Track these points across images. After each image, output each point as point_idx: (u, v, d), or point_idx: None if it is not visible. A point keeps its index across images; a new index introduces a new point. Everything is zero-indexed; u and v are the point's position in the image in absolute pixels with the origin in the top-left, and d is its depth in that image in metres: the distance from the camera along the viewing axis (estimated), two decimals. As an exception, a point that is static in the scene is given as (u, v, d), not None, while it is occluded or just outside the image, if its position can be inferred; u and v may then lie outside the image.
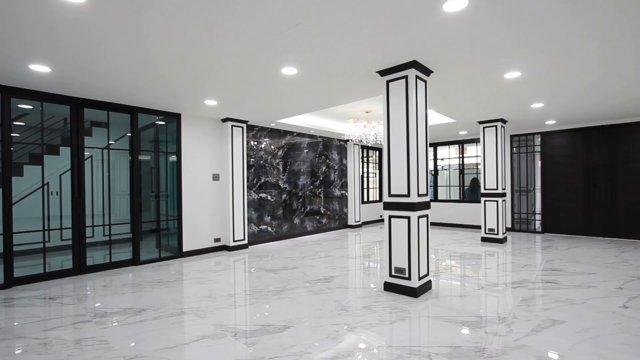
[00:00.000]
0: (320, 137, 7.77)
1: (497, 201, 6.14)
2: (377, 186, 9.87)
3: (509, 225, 7.62)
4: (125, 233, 5.08)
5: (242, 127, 5.91)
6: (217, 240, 5.77)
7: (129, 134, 4.86)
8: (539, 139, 7.33)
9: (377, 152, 9.85)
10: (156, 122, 5.25)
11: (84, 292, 3.62)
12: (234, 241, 5.76)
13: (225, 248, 5.81)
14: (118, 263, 4.67)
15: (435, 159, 9.01)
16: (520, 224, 7.57)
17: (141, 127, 5.18)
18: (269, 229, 6.65)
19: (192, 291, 3.61)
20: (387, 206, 3.44)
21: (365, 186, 9.29)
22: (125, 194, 5.47)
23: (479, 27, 2.51)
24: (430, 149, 9.00)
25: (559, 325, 2.65)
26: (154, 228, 5.46)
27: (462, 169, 8.53)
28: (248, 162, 6.25)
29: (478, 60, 3.19)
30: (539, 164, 7.38)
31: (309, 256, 5.32)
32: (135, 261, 4.80)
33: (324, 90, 4.10)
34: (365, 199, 9.27)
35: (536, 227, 7.40)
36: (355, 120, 5.88)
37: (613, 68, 3.45)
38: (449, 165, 9.16)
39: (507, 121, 6.28)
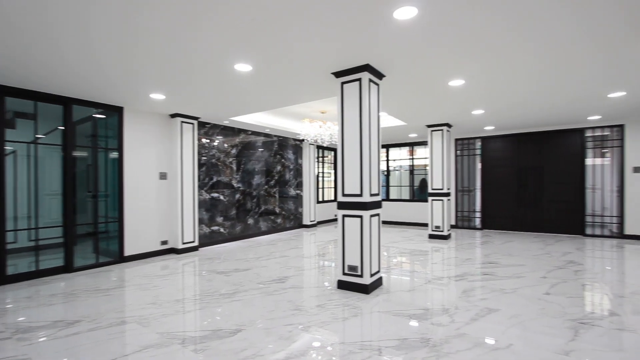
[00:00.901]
0: (275, 136, 7.69)
1: (442, 200, 6.55)
2: (333, 186, 10.01)
3: (453, 222, 8.17)
4: (57, 237, 4.57)
5: (193, 124, 5.64)
6: (164, 242, 5.44)
7: (62, 127, 4.39)
8: (480, 143, 7.96)
9: (333, 153, 10.00)
10: (94, 115, 4.81)
11: (2, 306, 3.20)
12: (183, 243, 5.48)
13: (173, 251, 5.49)
14: (47, 271, 4.20)
15: (387, 160, 9.37)
16: (462, 221, 8.16)
17: (77, 120, 4.70)
18: (222, 229, 6.43)
19: (134, 298, 3.36)
20: (341, 206, 3.50)
21: (320, 186, 9.38)
22: (57, 193, 4.92)
23: (427, 36, 2.66)
24: (383, 150, 9.35)
25: (494, 313, 2.89)
26: (91, 231, 4.98)
27: (412, 169, 8.98)
28: (199, 160, 5.98)
29: (426, 67, 3.37)
30: (479, 166, 8.02)
31: (263, 257, 5.23)
32: (68, 268, 4.35)
33: (279, 89, 4.06)
34: (320, 199, 9.35)
35: (476, 224, 8.03)
36: (311, 120, 5.90)
37: (540, 82, 3.85)
38: (400, 166, 9.59)
39: (452, 126, 6.72)
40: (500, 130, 7.48)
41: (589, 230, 6.81)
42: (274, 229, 7.70)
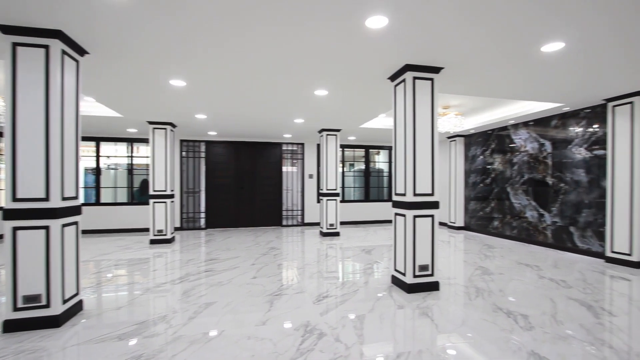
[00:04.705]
0: None
1: (166, 202, 6.26)
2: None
3: (178, 225, 8.03)
4: None
5: None
6: None
7: None
8: (204, 146, 8.33)
9: (8, 143, 7.07)
10: None
11: None
12: None
13: None
14: None
15: (97, 156, 7.79)
16: (188, 223, 8.20)
17: None
18: None
19: None
20: (11, 215, 2.49)
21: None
22: None
23: (142, 22, 2.40)
24: (91, 144, 7.70)
25: (211, 306, 3.06)
26: None
27: (131, 169, 7.97)
28: None
29: (143, 57, 3.05)
30: (204, 168, 8.37)
31: None
32: None
33: None
34: (-19, 209, 6.33)
35: (202, 224, 8.33)
36: (-43, 89, 3.86)
37: (251, 101, 4.52)
38: (117, 164, 8.29)
39: (176, 126, 6.59)
40: (222, 137, 8.18)
41: (284, 222, 8.81)
42: None
